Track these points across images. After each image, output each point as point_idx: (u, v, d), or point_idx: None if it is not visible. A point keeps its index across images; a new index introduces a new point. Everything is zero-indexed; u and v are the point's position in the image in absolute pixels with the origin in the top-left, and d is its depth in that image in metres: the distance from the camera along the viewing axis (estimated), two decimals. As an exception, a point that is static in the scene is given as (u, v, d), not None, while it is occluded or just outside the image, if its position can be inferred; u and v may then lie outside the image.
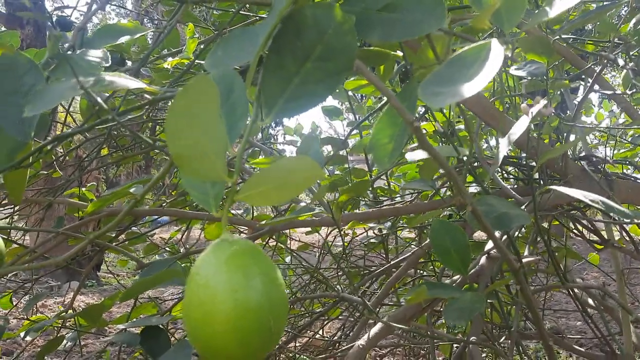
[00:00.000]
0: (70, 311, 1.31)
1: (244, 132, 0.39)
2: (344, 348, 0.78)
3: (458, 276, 0.88)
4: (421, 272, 1.62)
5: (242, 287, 0.36)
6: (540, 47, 0.65)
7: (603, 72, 1.13)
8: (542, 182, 1.20)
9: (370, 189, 1.53)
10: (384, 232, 1.67)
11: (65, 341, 1.35)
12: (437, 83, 0.35)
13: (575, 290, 1.42)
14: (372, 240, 1.83)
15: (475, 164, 0.94)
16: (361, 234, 1.78)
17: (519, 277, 0.49)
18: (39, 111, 0.43)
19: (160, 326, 0.83)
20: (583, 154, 1.26)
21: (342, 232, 1.06)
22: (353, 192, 0.85)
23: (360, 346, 0.70)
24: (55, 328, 1.45)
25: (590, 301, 1.46)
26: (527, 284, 0.49)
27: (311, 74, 0.39)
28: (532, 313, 0.52)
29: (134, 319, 0.98)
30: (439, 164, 0.40)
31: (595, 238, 1.36)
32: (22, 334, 1.46)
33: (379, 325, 0.73)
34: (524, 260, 0.67)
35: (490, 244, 0.90)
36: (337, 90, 1.93)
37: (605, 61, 0.93)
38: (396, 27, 0.38)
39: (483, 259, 0.85)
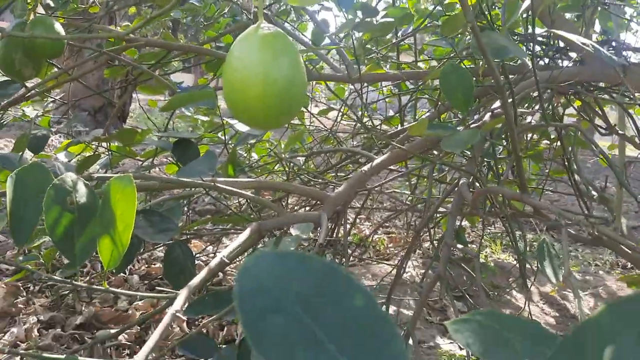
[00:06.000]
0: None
1: None
2: (349, 172, 0.87)
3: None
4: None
5: (271, 62, 0.43)
6: None
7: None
8: (560, 60, 1.24)
9: (395, 54, 1.57)
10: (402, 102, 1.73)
11: (97, 167, 1.48)
12: None
13: (577, 178, 1.50)
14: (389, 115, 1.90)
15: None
16: (378, 101, 1.83)
17: (501, 91, 0.56)
18: None
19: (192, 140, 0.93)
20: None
21: (362, 87, 1.13)
22: (378, 32, 0.90)
23: (363, 171, 0.79)
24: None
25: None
26: (511, 106, 0.55)
27: None
28: (510, 130, 0.60)
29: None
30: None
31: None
32: (57, 155, 1.60)
33: (382, 156, 0.82)
34: (519, 111, 0.74)
35: (496, 104, 0.97)
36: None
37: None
38: None
39: (487, 116, 0.92)
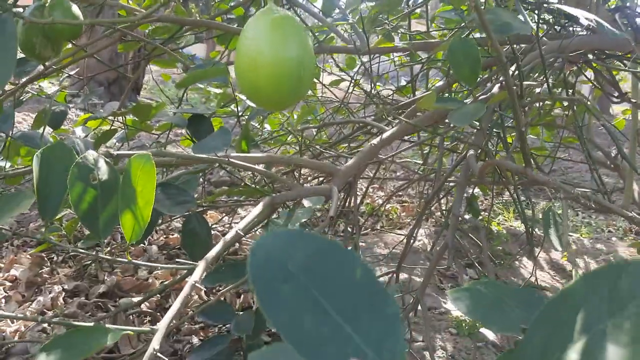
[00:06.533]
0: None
1: None
2: (361, 143, 0.89)
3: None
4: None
5: (281, 44, 0.45)
6: None
7: None
8: (572, 28, 1.23)
9: (408, 27, 1.56)
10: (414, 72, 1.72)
11: (114, 140, 1.51)
12: None
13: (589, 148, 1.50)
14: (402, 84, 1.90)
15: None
16: (390, 72, 1.83)
17: (504, 68, 0.58)
18: None
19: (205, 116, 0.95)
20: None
21: (370, 60, 1.14)
22: (386, 7, 0.91)
23: (373, 144, 0.81)
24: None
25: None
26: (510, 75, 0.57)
27: None
28: (512, 105, 0.62)
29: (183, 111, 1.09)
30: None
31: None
32: (75, 130, 1.63)
33: (391, 129, 0.84)
34: (525, 83, 0.75)
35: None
36: None
37: None
38: None
39: (495, 88, 0.93)
